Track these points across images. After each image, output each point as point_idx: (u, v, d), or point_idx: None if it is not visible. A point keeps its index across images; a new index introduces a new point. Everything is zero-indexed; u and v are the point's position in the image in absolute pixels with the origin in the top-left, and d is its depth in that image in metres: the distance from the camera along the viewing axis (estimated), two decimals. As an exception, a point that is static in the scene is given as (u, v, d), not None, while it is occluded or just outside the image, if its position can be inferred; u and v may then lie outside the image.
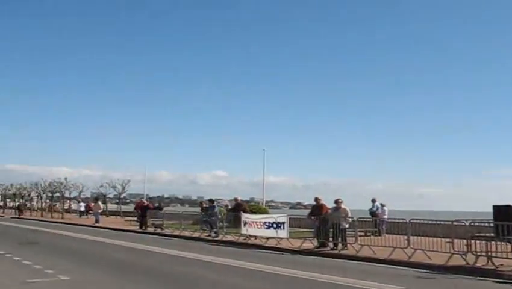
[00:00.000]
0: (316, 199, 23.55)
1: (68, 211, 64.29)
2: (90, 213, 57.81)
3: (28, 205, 74.27)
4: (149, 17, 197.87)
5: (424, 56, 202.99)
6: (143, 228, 34.67)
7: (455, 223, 17.07)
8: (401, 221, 19.33)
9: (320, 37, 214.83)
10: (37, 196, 72.33)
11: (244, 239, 25.08)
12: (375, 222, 25.89)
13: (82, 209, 62.99)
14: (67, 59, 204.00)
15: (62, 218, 54.49)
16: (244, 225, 25.53)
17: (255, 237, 24.70)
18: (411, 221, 18.60)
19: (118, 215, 59.97)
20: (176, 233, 30.04)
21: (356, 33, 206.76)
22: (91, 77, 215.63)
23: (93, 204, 57.52)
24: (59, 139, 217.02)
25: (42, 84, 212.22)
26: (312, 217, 22.92)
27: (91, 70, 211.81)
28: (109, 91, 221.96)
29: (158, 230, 32.42)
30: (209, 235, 27.81)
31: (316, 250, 20.96)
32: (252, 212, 30.02)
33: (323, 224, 21.72)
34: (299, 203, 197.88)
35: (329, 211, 22.54)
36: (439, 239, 17.17)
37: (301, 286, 12.28)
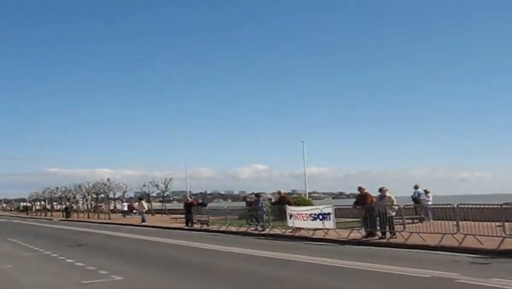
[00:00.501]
0: (360, 189, 23.42)
1: (113, 211, 65.19)
2: (135, 212, 58.60)
3: (74, 207, 75.61)
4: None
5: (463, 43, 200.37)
6: (189, 225, 34.96)
7: (504, 206, 16.83)
8: (448, 206, 19.07)
9: (357, 27, 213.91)
10: (82, 198, 73.46)
11: (291, 232, 25.09)
12: (419, 208, 25.59)
13: (125, 209, 64.13)
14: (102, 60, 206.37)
15: (108, 218, 55.29)
16: (290, 217, 25.55)
17: (302, 229, 24.72)
18: (459, 206, 18.33)
19: (163, 213, 60.55)
20: (223, 228, 30.23)
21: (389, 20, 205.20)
22: (127, 79, 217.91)
23: (136, 204, 58.49)
24: (99, 141, 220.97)
25: (81, 87, 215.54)
26: (358, 207, 22.83)
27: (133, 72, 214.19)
28: (145, 93, 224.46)
29: (204, 227, 32.66)
30: (256, 229, 27.90)
31: (364, 239, 20.86)
32: (296, 204, 30.01)
33: (370, 214, 21.61)
34: (341, 193, 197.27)
35: (374, 199, 22.42)
36: (489, 223, 16.87)
37: (354, 276, 12.26)
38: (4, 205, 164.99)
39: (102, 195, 65.99)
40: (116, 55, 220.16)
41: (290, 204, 27.44)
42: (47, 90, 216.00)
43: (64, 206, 76.02)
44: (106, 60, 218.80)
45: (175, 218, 44.93)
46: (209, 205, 44.87)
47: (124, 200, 69.45)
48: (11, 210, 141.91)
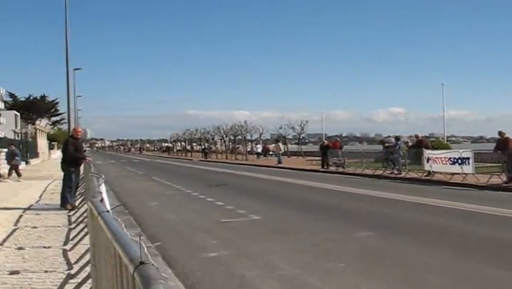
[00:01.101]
0: (500, 133, 22.49)
1: (250, 152, 66.56)
2: (271, 154, 59.70)
3: (213, 148, 78.09)
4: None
5: None
6: (325, 167, 35.14)
7: None
8: None
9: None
10: (220, 139, 75.58)
11: (427, 176, 24.62)
12: None
13: (259, 150, 65.36)
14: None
15: (245, 159, 56.69)
16: (428, 161, 25.03)
17: (439, 173, 24.16)
18: None
19: (299, 156, 61.12)
20: (358, 171, 30.18)
21: None
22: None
23: (272, 145, 59.43)
24: (237, 83, 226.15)
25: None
26: (499, 151, 21.92)
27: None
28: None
29: (340, 169, 32.73)
30: (392, 172, 27.62)
31: (505, 185, 20.04)
32: (434, 148, 29.26)
33: (511, 159, 20.67)
34: (481, 137, 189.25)
35: (516, 144, 21.41)
36: None
37: (497, 222, 11.88)
38: (148, 145, 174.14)
39: (240, 136, 67.59)
40: None
41: (427, 147, 26.81)
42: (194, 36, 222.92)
43: (202, 147, 78.78)
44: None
45: (311, 160, 45.30)
46: (345, 147, 44.79)
47: (260, 141, 70.69)
48: (154, 150, 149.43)
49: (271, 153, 61.83)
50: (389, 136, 31.93)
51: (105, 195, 7.49)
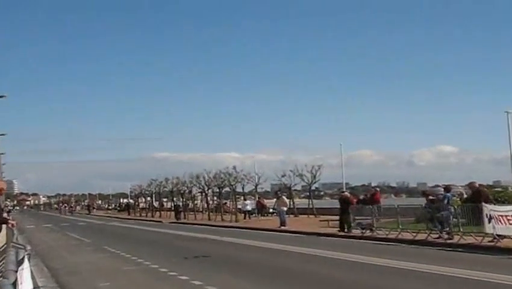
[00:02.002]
0: None
1: (240, 210, 65.67)
2: (272, 212, 59.29)
3: (190, 205, 77.65)
4: None
5: None
6: (346, 230, 34.71)
7: None
8: None
9: None
10: (200, 193, 74.89)
11: (491, 241, 24.31)
12: None
13: (249, 208, 64.13)
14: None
15: (236, 220, 56.34)
16: (489, 221, 24.72)
17: (507, 238, 23.84)
18: None
19: (310, 214, 60.40)
20: (392, 235, 29.76)
21: None
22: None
23: (274, 200, 58.71)
24: (224, 119, 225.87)
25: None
26: None
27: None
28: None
29: (367, 233, 32.30)
30: (440, 237, 27.27)
31: None
32: (498, 201, 29.01)
33: None
34: None
35: None
36: None
37: None
38: (99, 201, 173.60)
39: (227, 188, 66.55)
40: None
41: (487, 201, 26.53)
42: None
43: (174, 204, 78.23)
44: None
45: (326, 220, 44.87)
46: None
47: (256, 195, 69.88)
48: (107, 208, 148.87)
49: (271, 211, 61.40)
50: (437, 186, 31.47)
51: (25, 275, 7.07)
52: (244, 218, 60.64)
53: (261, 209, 64.42)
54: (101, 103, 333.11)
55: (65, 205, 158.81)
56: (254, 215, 62.32)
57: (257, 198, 68.64)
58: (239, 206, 67.56)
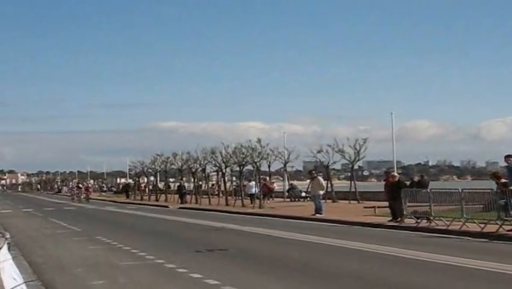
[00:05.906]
0: None
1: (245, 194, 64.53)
2: (307, 196, 59.09)
3: (203, 186, 77.73)
4: None
5: None
6: (396, 219, 34.59)
7: None
8: None
9: None
10: (216, 172, 74.98)
11: None
12: None
13: (253, 191, 62.36)
14: None
15: (260, 206, 56.21)
16: None
17: None
18: None
19: (352, 199, 60.35)
20: (454, 227, 29.67)
21: None
22: None
23: (309, 181, 57.70)
24: (244, 76, 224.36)
25: None
26: None
27: None
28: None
29: (423, 223, 32.19)
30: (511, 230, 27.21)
31: None
32: None
33: None
34: None
35: None
36: None
37: None
38: (91, 181, 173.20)
39: (250, 167, 65.83)
40: None
41: None
42: None
43: (177, 184, 77.91)
44: None
45: (371, 206, 44.75)
46: (432, 184, 44.23)
47: (285, 173, 69.37)
48: (101, 190, 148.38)
49: (304, 195, 61.18)
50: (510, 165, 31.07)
51: (7, 268, 7.19)
52: (251, 202, 59.79)
53: (267, 193, 64.34)
54: (92, 58, 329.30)
55: (80, 185, 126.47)
56: (263, 198, 61.36)
57: (263, 181, 67.82)
58: (246, 190, 66.05)
